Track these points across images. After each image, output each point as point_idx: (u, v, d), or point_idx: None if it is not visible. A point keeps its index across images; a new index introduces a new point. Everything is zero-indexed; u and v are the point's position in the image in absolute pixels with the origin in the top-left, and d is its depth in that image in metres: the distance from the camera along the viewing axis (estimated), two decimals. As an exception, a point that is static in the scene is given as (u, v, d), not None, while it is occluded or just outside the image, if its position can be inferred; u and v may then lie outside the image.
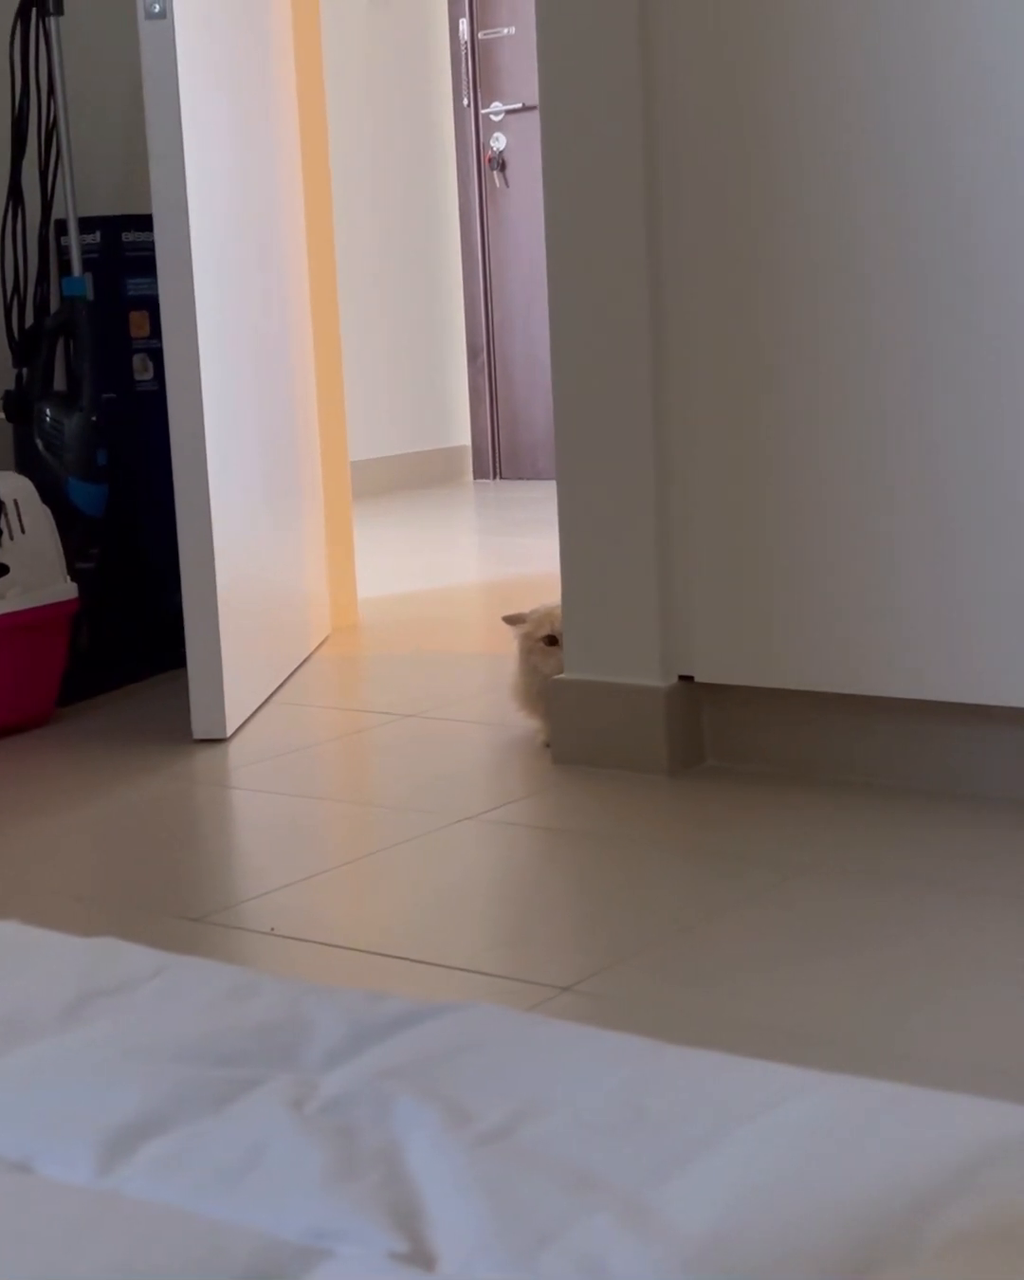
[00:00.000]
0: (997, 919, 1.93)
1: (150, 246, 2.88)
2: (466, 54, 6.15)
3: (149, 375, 3.38)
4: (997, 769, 2.34)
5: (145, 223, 3.21)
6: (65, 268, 3.32)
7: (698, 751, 2.54)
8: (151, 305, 3.24)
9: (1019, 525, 2.25)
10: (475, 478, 6.40)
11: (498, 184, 6.18)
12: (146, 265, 3.27)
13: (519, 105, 6.03)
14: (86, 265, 3.29)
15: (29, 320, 3.36)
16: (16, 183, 3.33)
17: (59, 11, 3.25)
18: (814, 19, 2.30)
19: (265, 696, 3.08)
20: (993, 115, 2.20)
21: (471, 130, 6.21)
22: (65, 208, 3.29)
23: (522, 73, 5.96)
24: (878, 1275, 0.73)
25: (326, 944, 1.94)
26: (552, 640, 2.67)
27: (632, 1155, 0.85)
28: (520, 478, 6.27)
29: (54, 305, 3.38)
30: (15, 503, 2.92)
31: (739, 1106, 0.89)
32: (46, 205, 3.37)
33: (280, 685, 3.18)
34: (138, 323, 3.38)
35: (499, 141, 6.15)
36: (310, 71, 3.55)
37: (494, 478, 6.35)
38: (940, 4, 2.22)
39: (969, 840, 2.18)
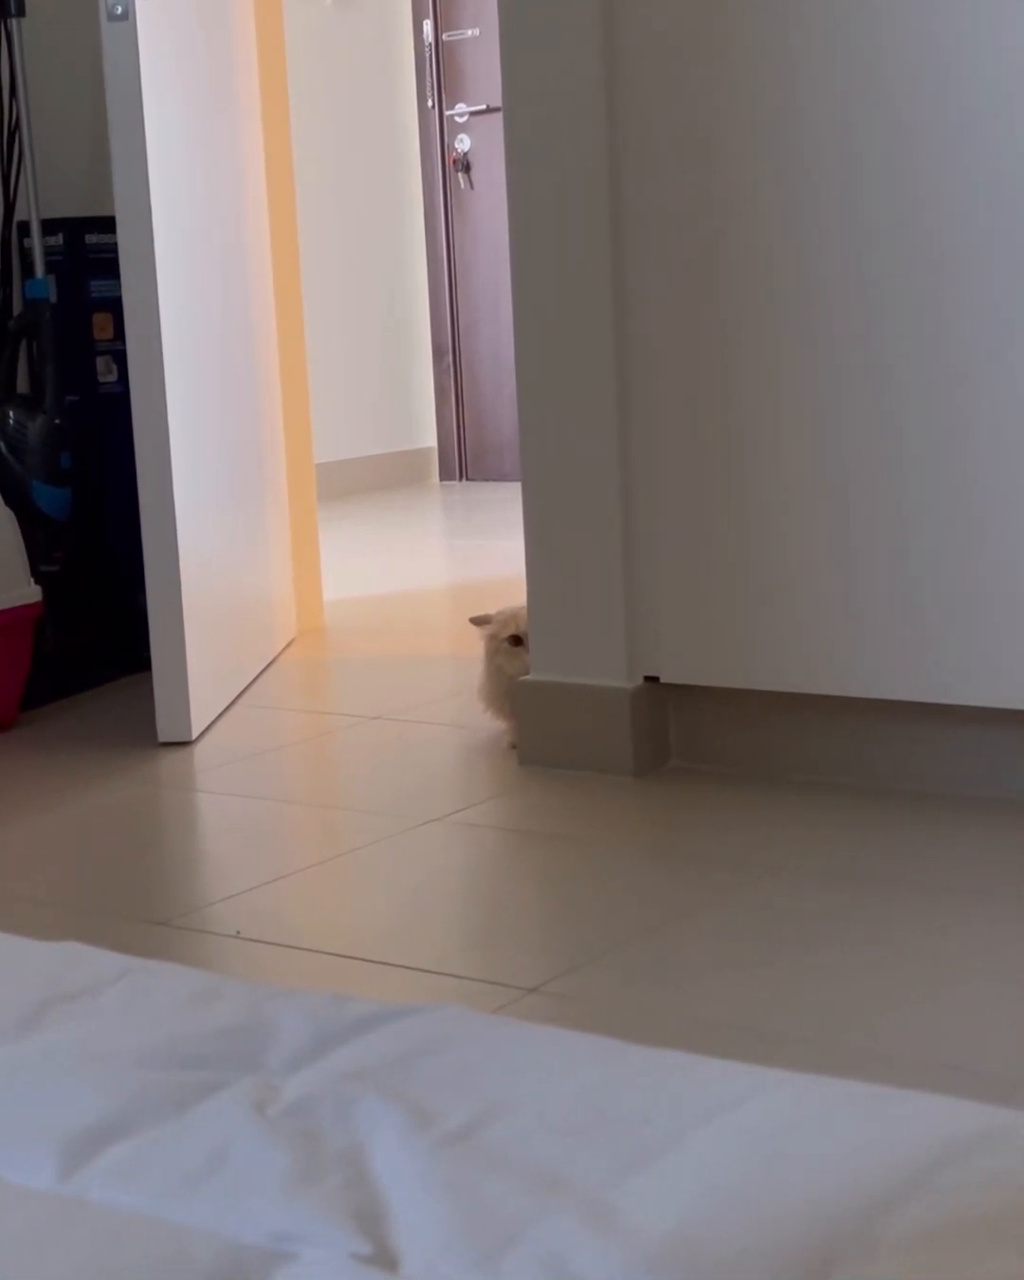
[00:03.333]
0: (960, 917, 1.94)
1: (113, 248, 2.87)
2: (431, 56, 6.15)
3: (113, 377, 3.37)
4: (957, 767, 2.35)
5: (108, 225, 3.20)
6: (28, 269, 3.31)
7: (663, 752, 2.55)
8: (115, 307, 3.23)
9: (977, 529, 2.26)
10: (441, 479, 6.39)
11: (462, 185, 6.18)
12: (110, 267, 3.26)
13: (483, 107, 6.03)
14: (50, 267, 3.28)
15: (-9, 322, 3.35)
16: (-21, 184, 3.32)
17: (20, 12, 3.24)
18: (777, 20, 2.30)
19: (231, 699, 3.07)
20: (949, 108, 2.21)
21: (436, 132, 6.21)
22: (28, 209, 3.28)
23: (486, 74, 5.97)
24: (838, 1273, 0.73)
25: (292, 947, 1.94)
26: (516, 641, 2.67)
27: (595, 1155, 0.85)
28: (486, 479, 6.27)
29: (17, 307, 3.36)
30: (-22, 506, 2.91)
31: (702, 1106, 0.89)
32: (9, 207, 3.36)
33: (246, 688, 3.17)
34: (101, 325, 3.37)
35: (463, 143, 6.15)
36: (274, 73, 3.55)
37: (460, 479, 6.35)
38: (904, 3, 2.23)
39: (931, 839, 2.19)
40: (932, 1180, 0.80)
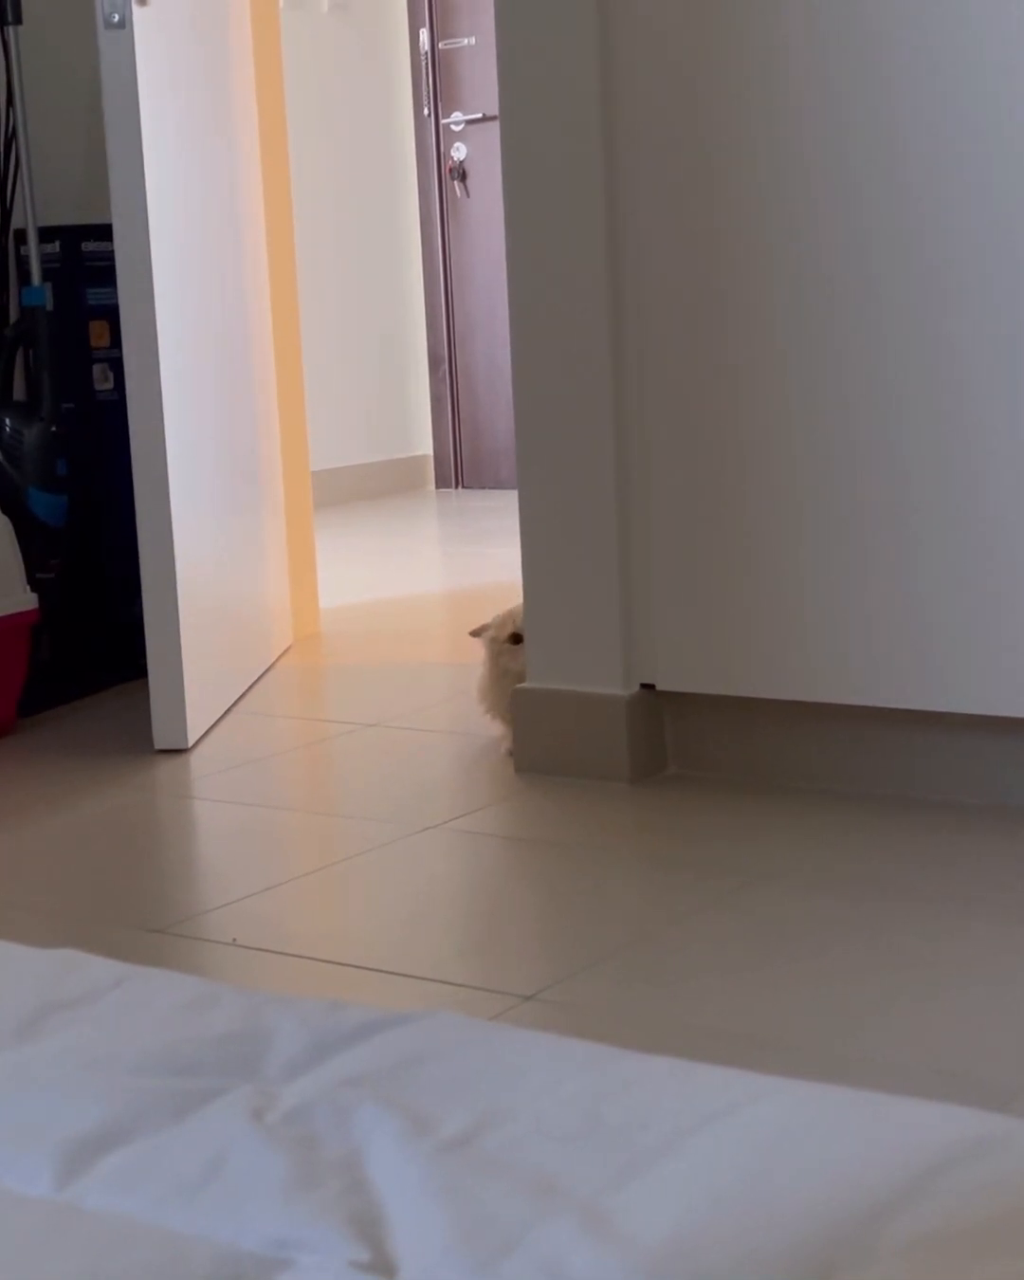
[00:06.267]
0: (954, 924, 1.94)
1: (110, 256, 2.87)
2: (427, 64, 6.16)
3: (109, 385, 3.37)
4: (952, 775, 2.35)
5: (105, 232, 3.20)
6: (24, 277, 3.31)
7: (659, 759, 2.55)
8: (111, 315, 3.23)
9: (973, 536, 2.27)
10: (437, 487, 6.39)
11: (458, 194, 6.18)
12: (106, 275, 3.26)
13: (480, 115, 6.04)
14: (46, 275, 3.28)
15: (-12, 330, 3.35)
16: (-25, 192, 3.32)
17: (17, 20, 3.25)
18: (775, 28, 2.31)
19: (227, 706, 3.07)
20: (948, 111, 2.22)
21: (432, 140, 6.21)
22: (25, 217, 3.28)
23: (482, 83, 5.97)
24: (837, 1279, 0.73)
25: (288, 954, 1.94)
26: (517, 639, 2.66)
27: (592, 1162, 0.85)
28: (482, 487, 6.27)
29: (13, 315, 3.37)
30: (-25, 513, 2.91)
31: (699, 1112, 0.90)
32: (5, 214, 3.36)
33: (242, 695, 3.17)
34: (97, 332, 3.37)
35: (460, 151, 6.16)
36: (270, 81, 3.55)
37: (456, 487, 6.35)
38: (902, 11, 2.23)
39: (926, 845, 2.19)
40: (929, 1186, 0.80)
